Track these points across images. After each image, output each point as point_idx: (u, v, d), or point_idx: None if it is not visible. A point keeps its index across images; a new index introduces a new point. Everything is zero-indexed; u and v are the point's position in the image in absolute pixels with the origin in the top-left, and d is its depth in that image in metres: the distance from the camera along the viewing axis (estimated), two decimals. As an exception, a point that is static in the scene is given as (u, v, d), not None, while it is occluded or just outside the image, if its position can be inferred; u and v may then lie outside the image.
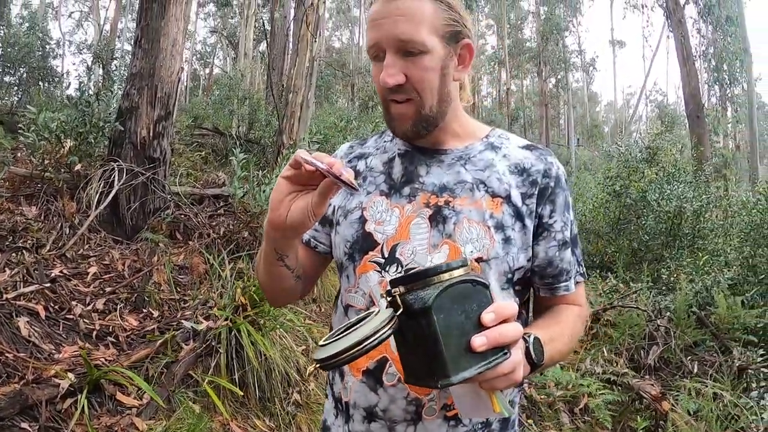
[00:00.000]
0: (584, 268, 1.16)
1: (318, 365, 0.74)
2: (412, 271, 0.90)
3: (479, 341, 0.71)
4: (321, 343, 0.76)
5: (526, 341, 0.88)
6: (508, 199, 1.05)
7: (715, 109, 17.72)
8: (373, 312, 0.77)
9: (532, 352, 0.88)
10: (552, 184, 1.08)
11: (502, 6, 31.50)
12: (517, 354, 0.77)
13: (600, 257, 8.19)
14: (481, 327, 0.73)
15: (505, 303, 0.77)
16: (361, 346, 0.70)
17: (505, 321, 0.75)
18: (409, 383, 0.78)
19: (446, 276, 0.74)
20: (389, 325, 0.72)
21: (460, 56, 1.07)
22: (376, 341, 0.71)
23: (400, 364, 0.79)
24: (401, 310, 0.73)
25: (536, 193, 1.06)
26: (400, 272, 1.01)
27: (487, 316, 0.73)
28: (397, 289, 0.75)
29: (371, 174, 1.14)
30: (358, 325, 0.75)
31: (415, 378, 0.76)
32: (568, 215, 1.10)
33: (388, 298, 0.76)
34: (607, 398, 3.58)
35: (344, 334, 0.74)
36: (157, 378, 2.87)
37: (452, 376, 0.69)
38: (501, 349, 0.73)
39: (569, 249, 1.10)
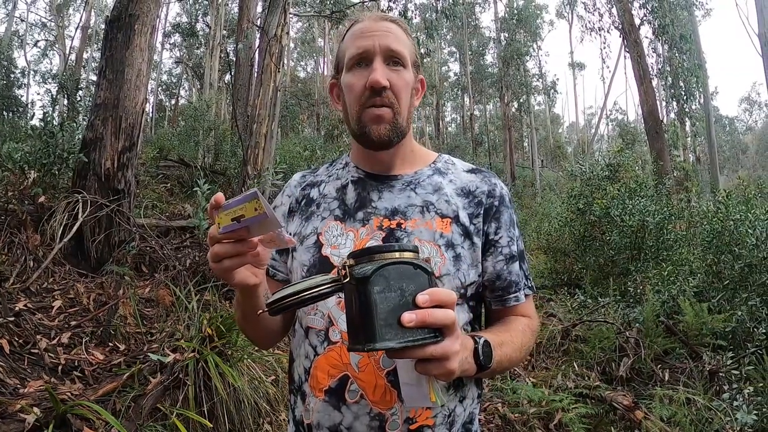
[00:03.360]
0: (532, 282, 1.21)
1: (266, 310, 0.84)
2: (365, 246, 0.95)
3: (408, 317, 0.75)
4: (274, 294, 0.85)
5: (476, 342, 0.91)
6: (456, 219, 1.11)
7: (673, 124, 18.23)
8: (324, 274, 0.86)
9: (480, 353, 0.91)
10: (496, 203, 1.15)
11: (464, 33, 32.17)
12: (453, 344, 0.79)
13: (567, 274, 8.29)
14: (415, 307, 0.77)
15: (443, 290, 0.80)
16: (300, 295, 0.81)
17: (441, 306, 0.78)
18: (349, 350, 0.81)
19: (396, 255, 0.80)
20: (329, 285, 0.82)
21: (415, 87, 1.17)
22: (314, 294, 0.82)
23: (347, 332, 0.83)
24: (347, 279, 0.80)
25: (482, 212, 1.13)
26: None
27: (421, 297, 0.77)
28: (348, 260, 0.81)
29: (325, 200, 1.18)
30: (304, 280, 0.85)
31: (352, 343, 0.80)
32: (514, 231, 1.17)
33: (342, 269, 0.82)
34: (580, 412, 3.59)
35: (292, 284, 0.84)
36: (125, 412, 2.79)
37: (377, 342, 0.74)
38: (432, 332, 0.77)
39: (517, 262, 1.15)
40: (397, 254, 0.80)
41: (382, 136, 1.10)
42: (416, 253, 0.83)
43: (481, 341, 0.92)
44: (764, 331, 4.14)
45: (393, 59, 1.09)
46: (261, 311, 0.85)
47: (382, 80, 1.05)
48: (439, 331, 0.78)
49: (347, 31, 1.16)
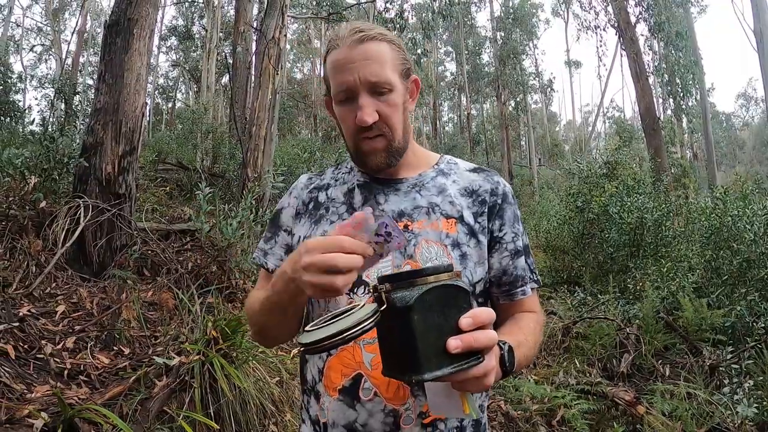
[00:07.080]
0: (537, 276, 1.24)
1: (302, 349, 0.79)
2: (401, 270, 0.96)
3: (454, 344, 0.75)
4: (307, 328, 0.81)
5: (501, 348, 0.93)
6: (461, 219, 1.13)
7: (670, 121, 18.26)
8: (358, 305, 0.81)
9: (506, 360, 0.93)
10: (499, 201, 1.19)
11: (460, 33, 32.17)
12: (491, 360, 0.81)
13: (567, 272, 8.30)
14: (458, 330, 0.77)
15: (483, 309, 0.81)
16: (344, 335, 0.76)
17: (482, 327, 0.79)
18: (385, 375, 0.81)
19: (431, 279, 0.78)
20: (371, 319, 0.77)
21: (410, 90, 1.18)
22: (358, 332, 0.76)
23: (380, 356, 0.82)
24: (385, 306, 0.78)
25: (486, 211, 1.16)
26: (368, 293, 1.06)
27: (464, 321, 0.77)
28: (384, 285, 0.79)
29: (333, 204, 1.20)
30: (342, 316, 0.79)
31: (390, 371, 0.80)
32: (518, 226, 1.20)
33: (375, 294, 0.80)
34: (582, 408, 3.62)
35: (329, 323, 0.80)
36: (132, 415, 2.80)
37: (425, 373, 0.74)
38: (475, 353, 0.78)
39: (522, 257, 1.18)
40: (432, 278, 0.79)
41: (380, 165, 1.14)
42: (451, 272, 0.82)
43: (506, 347, 0.94)
44: (763, 325, 4.18)
45: (377, 90, 1.08)
46: (298, 349, 0.81)
47: (369, 119, 1.06)
48: (480, 352, 0.79)
49: (327, 53, 1.15)
